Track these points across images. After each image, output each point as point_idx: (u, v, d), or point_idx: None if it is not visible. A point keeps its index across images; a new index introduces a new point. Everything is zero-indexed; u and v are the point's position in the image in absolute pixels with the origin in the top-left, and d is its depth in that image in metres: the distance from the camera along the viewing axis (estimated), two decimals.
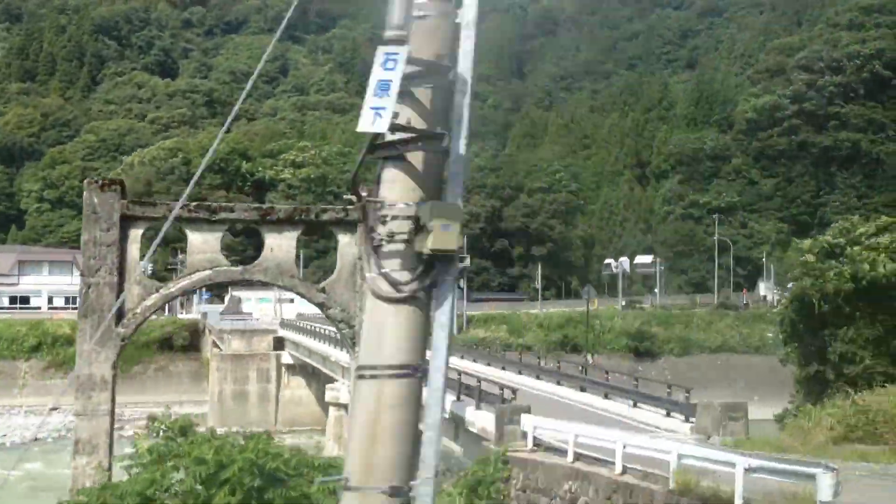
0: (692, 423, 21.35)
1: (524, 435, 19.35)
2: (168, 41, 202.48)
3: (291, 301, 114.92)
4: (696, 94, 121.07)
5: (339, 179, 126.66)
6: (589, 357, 76.12)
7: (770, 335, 60.21)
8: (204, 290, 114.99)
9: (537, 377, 33.25)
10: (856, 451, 16.74)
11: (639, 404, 25.41)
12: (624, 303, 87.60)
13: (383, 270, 4.13)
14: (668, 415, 23.24)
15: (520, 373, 35.37)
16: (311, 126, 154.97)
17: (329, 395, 35.06)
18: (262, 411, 50.58)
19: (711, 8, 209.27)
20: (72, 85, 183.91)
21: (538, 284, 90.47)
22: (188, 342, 67.77)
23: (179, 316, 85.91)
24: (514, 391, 23.85)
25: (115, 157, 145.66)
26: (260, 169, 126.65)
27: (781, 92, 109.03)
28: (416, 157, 4.30)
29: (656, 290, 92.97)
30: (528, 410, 20.52)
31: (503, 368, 37.47)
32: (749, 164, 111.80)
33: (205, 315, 77.55)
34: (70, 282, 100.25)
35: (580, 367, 31.53)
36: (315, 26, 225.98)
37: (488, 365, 40.11)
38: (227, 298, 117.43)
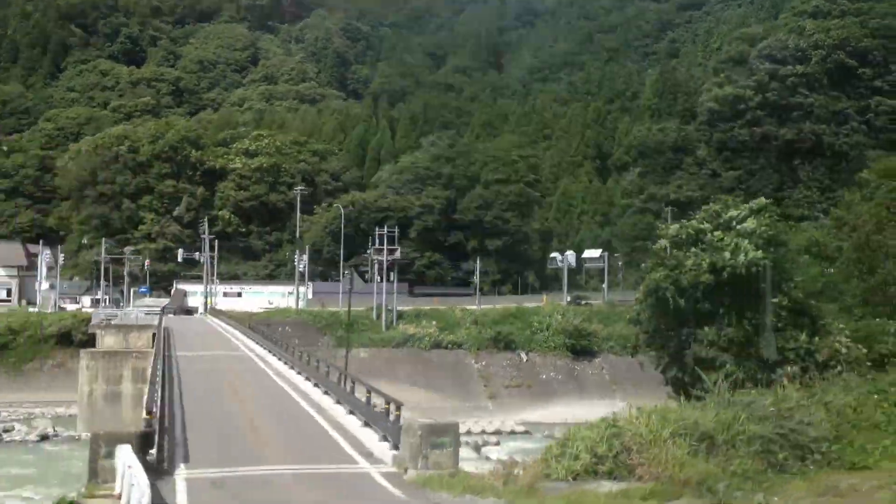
0: (398, 450, 16.70)
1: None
2: (136, 29, 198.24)
3: (239, 295, 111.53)
4: (659, 84, 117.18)
5: (294, 169, 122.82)
6: (523, 355, 72.62)
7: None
8: (144, 284, 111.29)
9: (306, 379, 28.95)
10: (573, 493, 12.70)
11: (369, 423, 20.23)
12: (569, 298, 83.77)
13: None
14: (384, 438, 18.69)
15: (300, 374, 30.97)
16: (269, 115, 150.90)
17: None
18: (137, 414, 46.10)
19: (691, 1, 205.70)
20: (34, 72, 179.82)
21: (476, 279, 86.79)
22: (89, 337, 63.67)
23: (85, 309, 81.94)
24: (150, 411, 17.28)
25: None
26: (211, 158, 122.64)
27: (744, 83, 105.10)
28: None
29: (604, 286, 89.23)
30: (131, 439, 14.28)
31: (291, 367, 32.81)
32: (712, 156, 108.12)
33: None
34: None
35: (325, 369, 27.10)
36: (289, 15, 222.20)
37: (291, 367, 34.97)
38: (172, 292, 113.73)
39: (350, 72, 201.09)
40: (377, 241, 73.27)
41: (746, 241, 23.66)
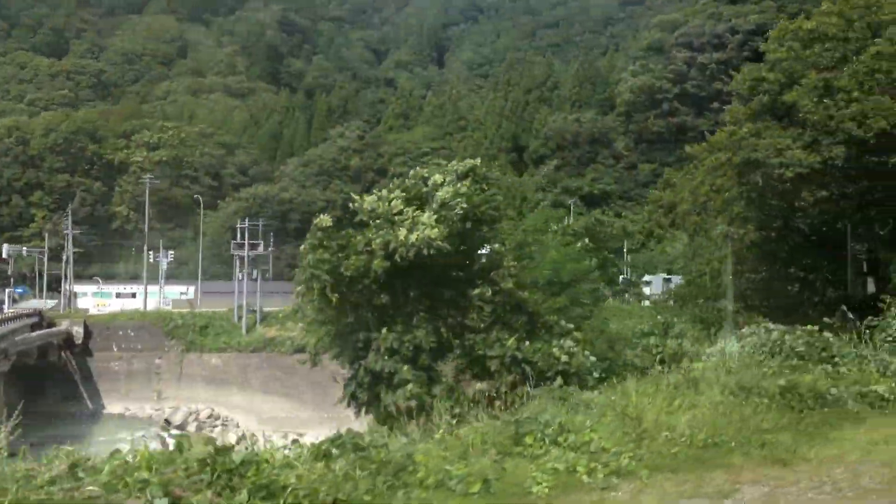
0: None
1: None
2: (61, 20, 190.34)
3: (133, 296, 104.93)
4: (580, 75, 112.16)
5: (198, 162, 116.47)
6: None
7: None
8: (18, 284, 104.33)
9: None
10: None
11: None
12: None
13: None
14: None
15: None
16: (176, 107, 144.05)
17: None
18: None
19: None
20: None
21: None
22: None
23: None
24: None
25: None
26: (110, 151, 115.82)
27: (661, 72, 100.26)
28: None
29: None
30: None
31: None
32: (629, 148, 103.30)
33: None
34: None
35: None
36: (223, 8, 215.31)
37: None
38: (63, 293, 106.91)
39: (284, 66, 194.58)
40: (239, 234, 67.34)
41: (427, 215, 17.98)
